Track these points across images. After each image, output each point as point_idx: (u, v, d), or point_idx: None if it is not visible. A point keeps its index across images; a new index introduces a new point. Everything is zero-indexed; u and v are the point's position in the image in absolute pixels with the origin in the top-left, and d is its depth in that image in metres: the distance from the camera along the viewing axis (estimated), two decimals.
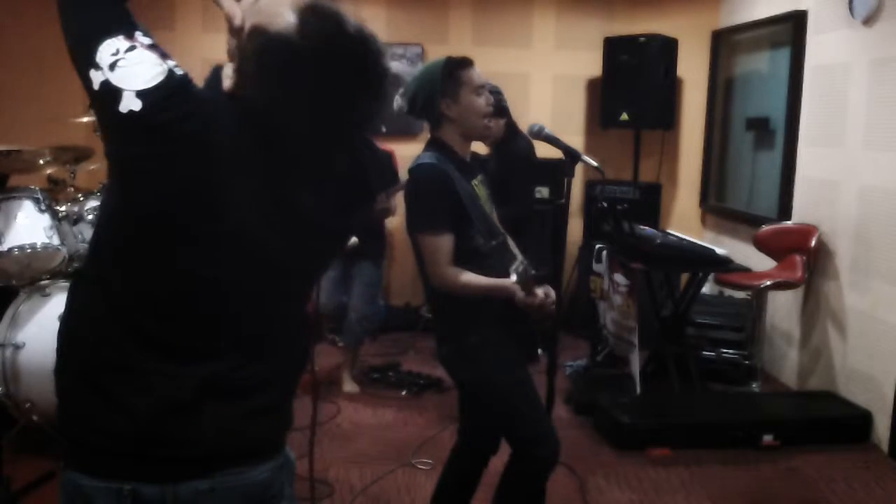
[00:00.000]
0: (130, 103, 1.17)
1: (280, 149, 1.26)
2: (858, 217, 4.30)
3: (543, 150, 3.95)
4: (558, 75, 6.13)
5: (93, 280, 1.31)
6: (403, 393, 4.66)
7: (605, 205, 4.77)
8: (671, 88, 5.88)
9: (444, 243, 2.37)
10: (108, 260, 1.28)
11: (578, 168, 2.73)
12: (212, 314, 1.28)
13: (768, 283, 4.57)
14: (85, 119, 4.07)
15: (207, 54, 5.11)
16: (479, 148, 4.46)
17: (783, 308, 5.02)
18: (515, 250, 2.58)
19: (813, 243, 4.58)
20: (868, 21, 4.21)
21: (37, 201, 3.66)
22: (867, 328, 4.21)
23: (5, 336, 3.48)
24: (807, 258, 4.59)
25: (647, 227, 4.61)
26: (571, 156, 2.66)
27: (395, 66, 5.92)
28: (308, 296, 1.47)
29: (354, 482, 3.54)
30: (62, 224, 3.72)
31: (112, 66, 1.18)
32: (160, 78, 1.19)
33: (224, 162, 1.22)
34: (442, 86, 2.43)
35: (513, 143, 4.06)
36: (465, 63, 2.48)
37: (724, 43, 5.98)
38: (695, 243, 4.53)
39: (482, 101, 2.48)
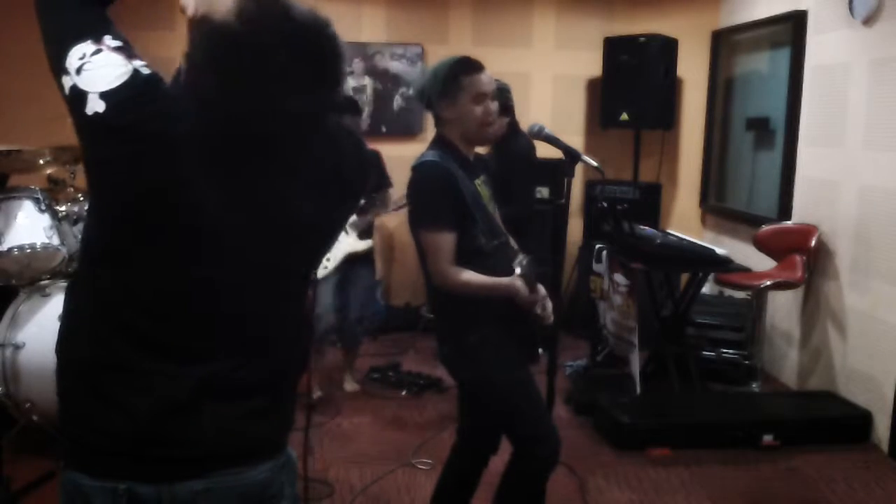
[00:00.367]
0: (95, 105, 1.19)
1: (241, 140, 1.25)
2: (858, 217, 4.30)
3: (543, 150, 3.96)
4: (558, 75, 6.13)
5: (86, 281, 1.31)
6: (403, 393, 4.66)
7: (605, 205, 4.77)
8: (671, 88, 5.88)
9: (446, 241, 2.36)
10: (97, 260, 1.29)
11: (578, 168, 2.73)
12: (205, 314, 1.28)
13: (768, 283, 4.57)
14: None
15: None
16: (480, 147, 4.48)
17: (783, 308, 5.02)
18: (518, 250, 2.58)
19: (813, 243, 4.58)
20: (868, 21, 4.21)
21: (37, 201, 3.66)
22: (867, 328, 4.20)
23: (5, 336, 3.48)
24: (807, 258, 4.59)
25: (647, 227, 4.60)
26: (571, 156, 2.66)
27: (396, 66, 5.93)
28: (304, 295, 1.46)
29: (354, 482, 3.54)
30: (62, 224, 3.72)
31: (79, 71, 1.21)
32: (124, 78, 1.21)
33: (192, 159, 1.22)
34: (442, 87, 2.44)
35: (514, 143, 4.06)
36: (472, 68, 2.48)
37: (724, 43, 5.98)
38: (695, 243, 4.53)
39: (479, 110, 2.46)
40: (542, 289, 2.27)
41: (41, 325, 3.46)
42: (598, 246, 4.91)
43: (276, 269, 1.33)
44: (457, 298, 2.43)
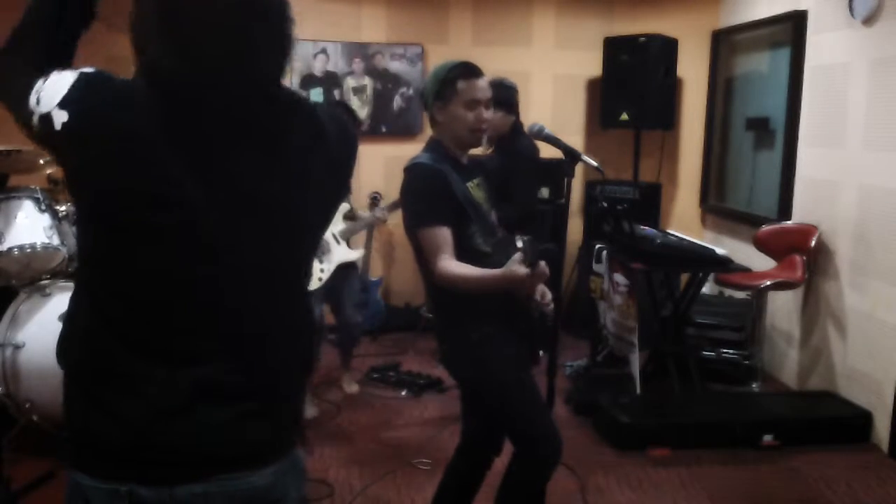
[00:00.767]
0: (60, 117, 1.20)
1: (196, 114, 1.23)
2: (858, 217, 4.30)
3: (544, 150, 3.96)
4: (558, 75, 6.13)
5: (80, 284, 1.31)
6: (403, 393, 4.66)
7: (605, 205, 4.77)
8: (671, 88, 5.88)
9: (443, 236, 2.37)
10: (86, 262, 1.29)
11: (578, 168, 2.73)
12: (198, 315, 1.26)
13: (768, 283, 4.57)
14: None
15: None
16: (475, 149, 4.48)
17: (783, 308, 5.02)
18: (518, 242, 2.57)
19: (813, 243, 4.58)
20: (868, 21, 4.21)
21: (37, 201, 3.66)
22: (867, 328, 4.21)
23: (5, 336, 3.48)
24: (807, 258, 4.59)
25: (647, 227, 4.60)
26: (571, 156, 2.66)
27: (395, 66, 5.93)
28: (303, 292, 1.43)
29: (354, 482, 3.54)
30: (62, 224, 3.72)
31: (38, 101, 1.23)
32: (72, 80, 1.23)
33: (156, 147, 1.21)
34: (437, 89, 2.46)
35: (517, 142, 4.07)
36: (470, 73, 2.48)
37: (724, 43, 5.98)
38: (695, 243, 4.53)
39: (470, 116, 2.47)
40: (543, 265, 2.23)
41: (41, 325, 3.47)
42: (598, 246, 4.91)
43: (269, 264, 1.31)
44: (457, 296, 2.43)
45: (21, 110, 1.25)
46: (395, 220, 5.03)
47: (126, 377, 1.25)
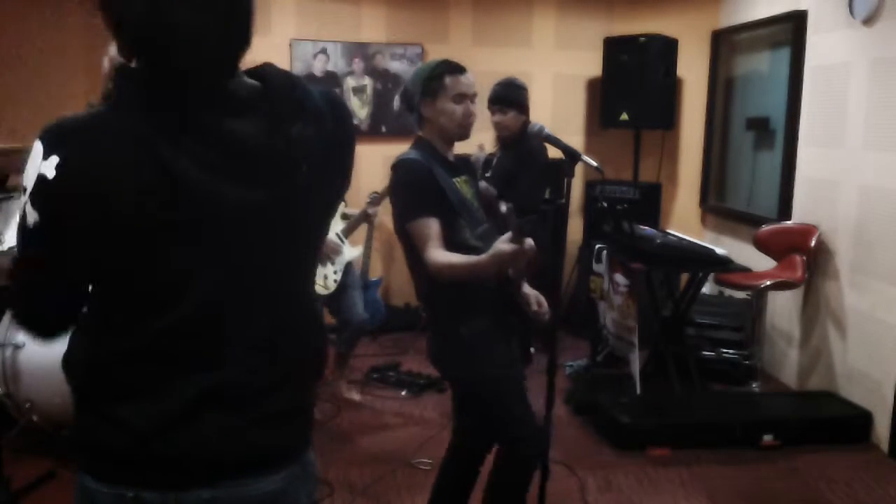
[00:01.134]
0: (47, 171, 1.16)
1: (182, 97, 1.19)
2: (858, 217, 4.30)
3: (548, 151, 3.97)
4: (558, 75, 6.14)
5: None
6: (403, 393, 4.66)
7: (605, 205, 4.77)
8: (671, 88, 5.88)
9: (432, 227, 2.39)
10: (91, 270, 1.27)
11: (578, 168, 2.73)
12: (201, 319, 1.23)
13: (768, 283, 4.57)
14: None
15: None
16: (487, 143, 4.49)
17: (783, 308, 5.02)
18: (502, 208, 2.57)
19: (813, 243, 4.58)
20: (868, 21, 4.21)
21: None
22: (867, 328, 4.21)
23: (5, 336, 3.49)
24: (807, 258, 4.59)
25: (647, 227, 4.60)
26: (571, 156, 2.66)
27: (395, 66, 5.93)
28: (312, 293, 1.41)
29: (354, 482, 3.54)
30: None
31: (25, 191, 1.21)
32: (39, 144, 1.19)
33: (145, 164, 1.16)
34: (423, 86, 2.50)
35: (529, 141, 4.09)
36: (454, 69, 2.52)
37: (724, 43, 5.98)
38: (695, 243, 4.53)
39: (458, 109, 2.51)
40: (530, 242, 2.23)
41: None
42: (598, 246, 4.91)
43: (273, 265, 1.29)
44: (448, 292, 2.44)
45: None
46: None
47: (132, 384, 1.23)
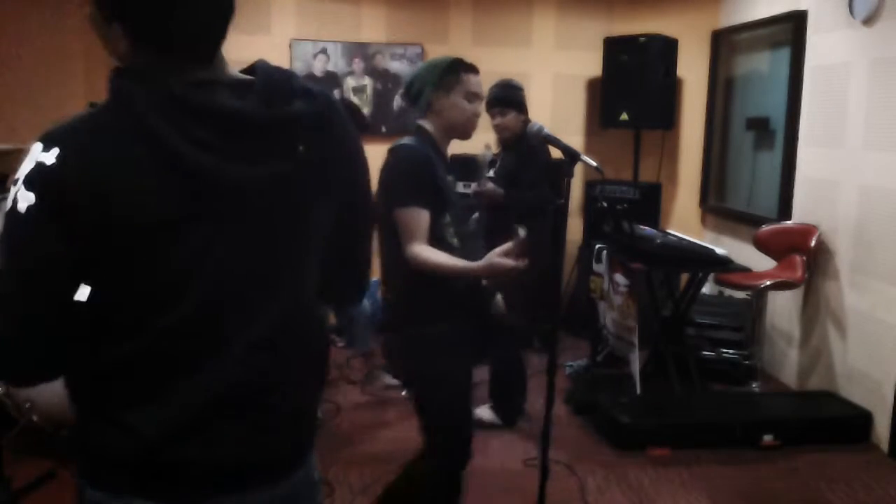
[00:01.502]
0: (46, 159, 1.13)
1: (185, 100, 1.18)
2: (858, 217, 4.30)
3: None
4: (558, 75, 6.14)
5: (85, 303, 1.24)
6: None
7: (605, 205, 4.77)
8: (671, 88, 5.88)
9: (423, 218, 2.36)
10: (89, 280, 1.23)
11: (578, 168, 2.73)
12: (205, 326, 1.21)
13: (768, 283, 4.57)
14: None
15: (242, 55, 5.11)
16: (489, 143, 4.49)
17: (783, 308, 5.02)
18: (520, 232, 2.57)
19: (813, 243, 4.58)
20: (868, 21, 4.21)
21: None
22: (867, 328, 4.21)
23: None
24: (807, 258, 4.59)
25: (647, 227, 4.60)
26: (571, 156, 2.66)
27: (395, 66, 5.93)
28: (312, 296, 1.37)
29: (354, 482, 3.54)
30: None
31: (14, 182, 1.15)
32: (38, 143, 1.16)
33: (145, 164, 1.15)
34: (440, 77, 2.49)
35: (527, 141, 4.10)
36: (471, 68, 2.54)
37: (724, 43, 5.98)
38: (695, 243, 4.53)
39: (470, 107, 2.52)
40: (525, 262, 2.25)
41: None
42: (598, 246, 4.91)
43: (278, 259, 1.27)
44: (422, 288, 2.41)
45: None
46: None
47: (136, 388, 1.21)
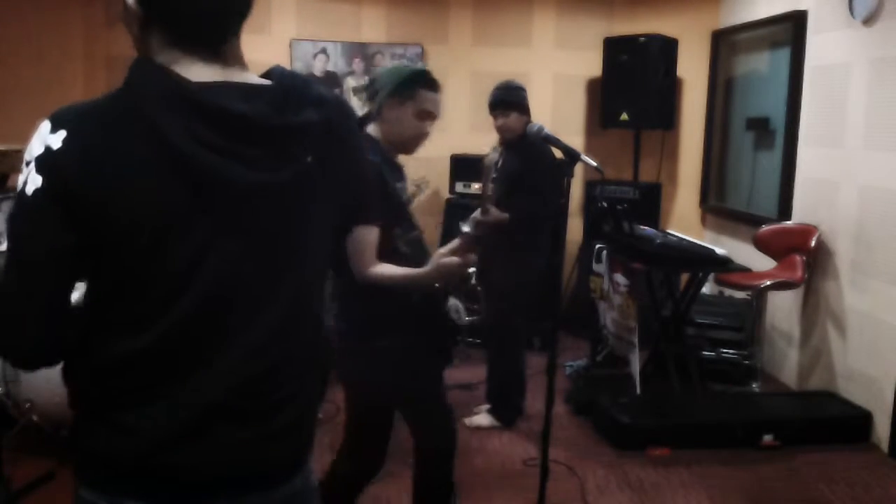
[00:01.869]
0: (53, 143, 1.14)
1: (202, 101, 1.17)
2: (858, 217, 4.30)
3: None
4: (558, 75, 6.14)
5: (85, 306, 1.25)
6: None
7: (605, 205, 4.77)
8: (671, 88, 5.88)
9: (373, 234, 2.29)
10: (91, 283, 1.23)
11: (578, 168, 2.73)
12: (207, 331, 1.20)
13: (768, 283, 4.57)
14: None
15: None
16: (489, 146, 4.47)
17: (783, 308, 5.02)
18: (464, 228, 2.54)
19: (813, 243, 4.58)
20: (868, 21, 4.21)
21: None
22: (867, 328, 4.21)
23: None
24: (807, 258, 4.59)
25: (647, 227, 4.60)
26: (571, 156, 2.66)
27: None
28: (314, 300, 1.35)
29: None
30: None
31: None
32: (46, 122, 1.16)
33: (151, 162, 1.14)
34: (397, 86, 2.43)
35: (530, 142, 4.08)
36: (432, 85, 2.45)
37: (724, 43, 5.98)
38: (695, 243, 4.53)
39: (418, 125, 2.44)
40: (473, 258, 2.19)
41: None
42: (598, 246, 4.91)
43: (279, 263, 1.26)
44: (374, 302, 2.36)
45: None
46: None
47: (135, 389, 1.20)
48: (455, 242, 2.19)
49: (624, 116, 5.73)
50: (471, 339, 5.49)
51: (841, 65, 4.48)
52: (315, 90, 1.27)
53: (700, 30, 6.04)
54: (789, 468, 3.80)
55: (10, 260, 1.16)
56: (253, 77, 1.25)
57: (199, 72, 1.19)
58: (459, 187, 5.75)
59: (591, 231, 5.70)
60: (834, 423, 4.14)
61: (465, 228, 2.19)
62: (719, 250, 4.41)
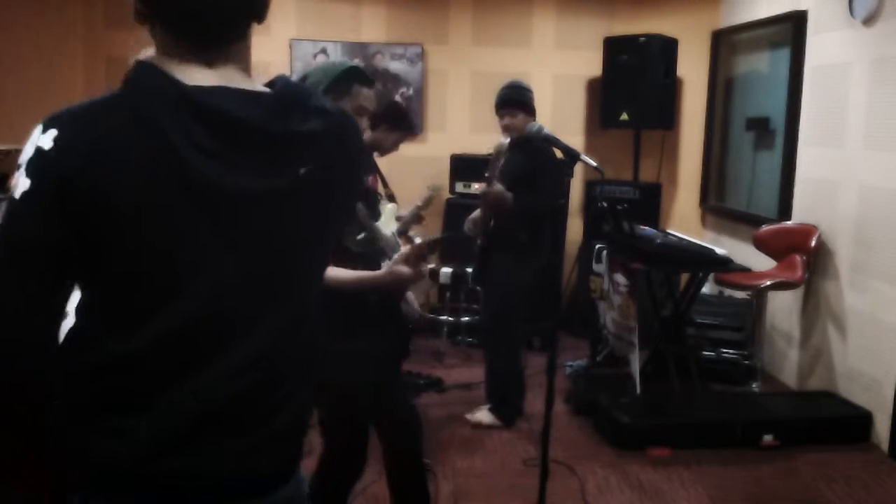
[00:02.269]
0: (44, 143, 1.13)
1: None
2: (858, 217, 4.30)
3: None
4: (558, 75, 6.14)
5: (82, 303, 1.23)
6: None
7: (605, 205, 4.77)
8: (671, 88, 5.88)
9: None
10: (86, 286, 1.21)
11: (578, 168, 2.74)
12: (199, 320, 1.19)
13: (768, 283, 4.57)
14: None
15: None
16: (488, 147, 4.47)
17: (783, 308, 5.02)
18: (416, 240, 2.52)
19: (813, 243, 4.58)
20: (868, 21, 4.21)
21: None
22: (867, 328, 4.21)
23: None
24: (807, 258, 4.59)
25: (647, 227, 4.60)
26: (570, 156, 2.66)
27: (395, 66, 5.93)
28: (309, 307, 1.34)
29: None
30: None
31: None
32: (39, 125, 1.16)
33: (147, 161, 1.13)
34: (332, 82, 2.38)
35: (533, 141, 4.08)
36: (366, 80, 2.45)
37: (724, 43, 5.98)
38: (695, 243, 4.53)
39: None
40: (425, 269, 2.21)
41: None
42: (598, 246, 4.91)
43: (285, 286, 1.25)
44: (333, 305, 2.37)
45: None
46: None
47: (128, 394, 1.19)
48: (407, 249, 2.21)
49: (624, 116, 5.73)
50: (470, 340, 5.51)
51: (841, 65, 4.48)
52: (317, 100, 1.26)
53: (700, 30, 6.04)
54: (789, 468, 3.80)
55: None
56: (255, 84, 1.24)
57: (196, 74, 1.18)
58: (459, 187, 5.76)
59: (591, 231, 5.70)
60: (834, 423, 4.14)
61: (418, 239, 2.21)
62: (719, 250, 4.41)
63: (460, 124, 6.00)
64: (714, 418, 4.14)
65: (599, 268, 4.84)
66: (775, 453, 3.93)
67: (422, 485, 2.84)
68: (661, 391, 4.49)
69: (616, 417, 4.01)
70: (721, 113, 6.07)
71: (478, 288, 4.96)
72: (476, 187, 4.36)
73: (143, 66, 1.18)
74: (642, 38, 5.67)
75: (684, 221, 6.21)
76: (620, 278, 4.50)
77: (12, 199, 1.12)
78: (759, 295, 4.96)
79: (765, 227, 4.95)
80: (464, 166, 5.71)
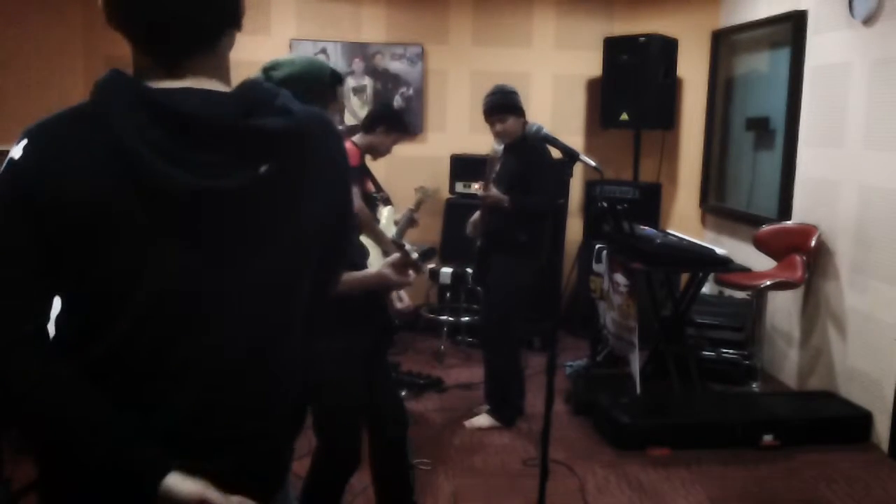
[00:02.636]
0: (15, 153, 1.14)
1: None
2: (858, 217, 4.30)
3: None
4: (558, 75, 6.14)
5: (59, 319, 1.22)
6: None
7: (605, 205, 4.77)
8: (671, 88, 5.88)
9: None
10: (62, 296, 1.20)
11: (578, 168, 2.74)
12: (159, 331, 1.16)
13: (768, 283, 4.57)
14: None
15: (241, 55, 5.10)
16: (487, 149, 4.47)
17: (783, 308, 5.02)
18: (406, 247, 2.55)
19: (813, 243, 4.58)
20: (868, 21, 4.21)
21: None
22: (867, 328, 4.21)
23: None
24: (807, 258, 4.59)
25: (647, 227, 4.60)
26: (570, 156, 2.66)
27: (396, 66, 5.93)
28: (301, 321, 1.31)
29: (354, 482, 3.52)
30: None
31: None
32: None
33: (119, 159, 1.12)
34: (317, 85, 2.32)
35: (529, 142, 4.08)
36: (341, 82, 2.43)
37: (724, 43, 5.98)
38: (695, 243, 4.53)
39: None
40: (411, 277, 2.26)
41: None
42: (598, 246, 4.92)
43: (256, 294, 1.21)
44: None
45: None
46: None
47: (99, 420, 1.16)
48: (394, 257, 2.25)
49: (624, 116, 5.73)
50: (470, 340, 5.51)
51: (841, 65, 4.48)
52: (283, 100, 1.22)
53: (700, 30, 6.04)
54: (789, 468, 3.80)
55: None
56: (222, 87, 1.22)
57: (165, 82, 1.18)
58: (459, 187, 5.76)
59: (591, 231, 5.71)
60: (834, 423, 4.14)
61: (408, 247, 2.24)
62: (719, 250, 4.41)
63: (460, 124, 6.00)
64: (714, 418, 4.14)
65: (599, 268, 4.85)
66: (775, 453, 3.93)
67: (405, 476, 2.86)
68: (661, 391, 4.49)
69: (616, 417, 4.01)
70: (721, 113, 6.07)
71: (478, 288, 4.96)
72: (475, 187, 4.36)
73: (110, 72, 1.18)
74: (642, 38, 5.67)
75: (684, 221, 6.21)
76: (620, 278, 4.50)
77: None
78: (759, 295, 4.96)
79: (765, 227, 4.95)
80: (464, 166, 5.72)
